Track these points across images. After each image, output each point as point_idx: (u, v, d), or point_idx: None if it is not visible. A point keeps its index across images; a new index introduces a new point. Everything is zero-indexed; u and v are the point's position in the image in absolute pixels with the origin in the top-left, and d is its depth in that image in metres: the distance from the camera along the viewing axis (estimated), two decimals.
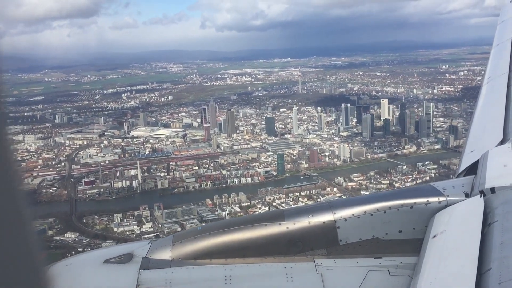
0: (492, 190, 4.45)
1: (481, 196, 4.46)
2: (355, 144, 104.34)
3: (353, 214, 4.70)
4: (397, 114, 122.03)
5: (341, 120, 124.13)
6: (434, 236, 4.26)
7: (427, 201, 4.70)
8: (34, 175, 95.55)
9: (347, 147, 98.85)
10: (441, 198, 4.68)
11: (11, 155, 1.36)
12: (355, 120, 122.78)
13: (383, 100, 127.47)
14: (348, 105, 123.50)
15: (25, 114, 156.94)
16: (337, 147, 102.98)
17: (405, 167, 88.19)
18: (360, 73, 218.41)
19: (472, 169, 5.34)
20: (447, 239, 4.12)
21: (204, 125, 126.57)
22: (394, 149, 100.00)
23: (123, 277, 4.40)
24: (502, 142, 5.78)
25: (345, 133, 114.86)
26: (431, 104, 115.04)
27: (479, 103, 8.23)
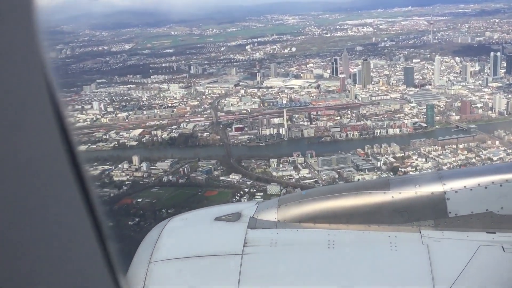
0: None
1: None
2: (509, 96, 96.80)
3: (465, 186, 4.36)
4: None
5: (487, 70, 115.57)
6: None
7: None
8: (186, 120, 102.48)
9: (503, 98, 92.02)
10: None
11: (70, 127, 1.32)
12: (503, 71, 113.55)
13: None
14: (498, 53, 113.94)
15: (163, 65, 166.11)
16: (489, 98, 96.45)
17: None
18: (497, 20, 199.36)
19: None
20: None
21: (339, 75, 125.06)
22: None
23: (232, 234, 4.49)
24: None
25: (494, 84, 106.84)
26: None
27: None
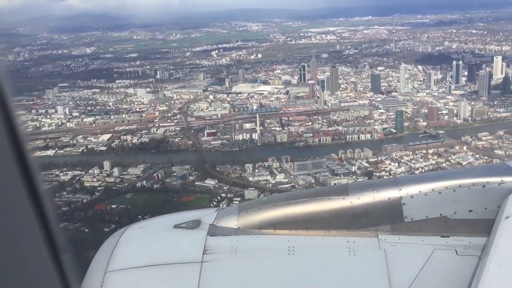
0: None
1: None
2: (472, 103, 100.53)
3: (420, 191, 4.50)
4: (510, 73, 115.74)
5: (449, 78, 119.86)
6: (507, 217, 4.06)
7: (501, 180, 4.41)
8: (156, 125, 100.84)
9: (467, 105, 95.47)
10: None
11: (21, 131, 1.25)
12: (464, 79, 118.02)
13: (496, 58, 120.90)
14: (460, 62, 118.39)
15: (127, 69, 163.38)
16: (453, 105, 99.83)
17: None
18: (454, 31, 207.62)
19: None
20: None
21: (308, 81, 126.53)
22: None
23: (191, 242, 4.48)
24: None
25: (457, 92, 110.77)
26: None
27: None
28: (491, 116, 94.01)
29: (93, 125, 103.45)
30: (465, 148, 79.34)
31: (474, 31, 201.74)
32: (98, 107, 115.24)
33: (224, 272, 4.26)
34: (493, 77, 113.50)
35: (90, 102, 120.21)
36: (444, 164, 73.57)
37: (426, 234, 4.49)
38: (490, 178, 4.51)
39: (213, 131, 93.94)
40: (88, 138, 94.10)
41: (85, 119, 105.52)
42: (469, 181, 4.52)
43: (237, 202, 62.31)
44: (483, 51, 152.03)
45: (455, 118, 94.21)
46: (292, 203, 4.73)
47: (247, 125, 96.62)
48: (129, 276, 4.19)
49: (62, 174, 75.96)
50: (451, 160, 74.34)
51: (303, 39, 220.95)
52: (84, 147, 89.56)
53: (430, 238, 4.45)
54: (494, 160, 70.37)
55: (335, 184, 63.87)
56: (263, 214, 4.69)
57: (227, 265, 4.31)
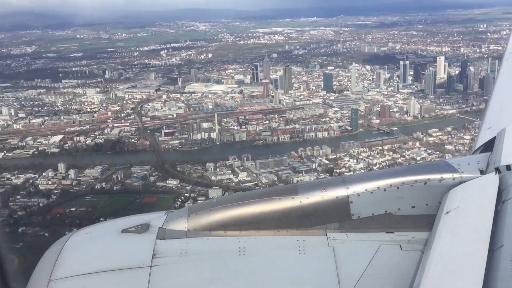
0: (508, 167, 4.38)
1: (496, 173, 4.41)
2: (420, 101, 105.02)
3: (366, 189, 4.68)
4: (452, 73, 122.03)
5: (397, 78, 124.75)
6: (447, 213, 4.23)
7: (441, 177, 4.64)
8: (109, 126, 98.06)
9: (416, 103, 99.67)
10: (456, 175, 4.64)
11: None
12: (410, 78, 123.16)
13: (439, 58, 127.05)
14: (407, 62, 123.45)
15: (73, 69, 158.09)
16: (403, 103, 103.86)
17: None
18: (396, 32, 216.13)
19: (489, 146, 5.26)
20: (460, 215, 4.12)
21: (262, 81, 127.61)
22: (463, 106, 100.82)
23: (140, 246, 4.47)
24: None
25: (405, 90, 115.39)
26: (496, 61, 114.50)
27: (499, 79, 7.98)
28: (438, 113, 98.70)
29: (42, 126, 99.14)
30: (417, 144, 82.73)
31: (414, 33, 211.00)
32: (45, 108, 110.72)
33: (174, 275, 4.20)
34: (437, 76, 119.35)
35: (37, 102, 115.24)
36: (399, 160, 76.34)
37: (372, 231, 4.61)
38: (431, 175, 4.67)
39: (171, 130, 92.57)
40: (38, 140, 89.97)
41: (33, 120, 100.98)
42: (412, 178, 4.67)
43: (203, 201, 62.06)
44: (425, 52, 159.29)
45: (405, 116, 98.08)
46: (242, 204, 4.74)
47: (205, 125, 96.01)
48: (75, 284, 4.05)
49: (14, 177, 72.23)
50: (406, 156, 77.28)
51: (251, 39, 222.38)
52: (34, 149, 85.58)
53: (376, 234, 4.58)
54: (446, 155, 73.89)
55: (297, 181, 64.75)
56: (213, 216, 4.69)
57: (177, 269, 4.25)
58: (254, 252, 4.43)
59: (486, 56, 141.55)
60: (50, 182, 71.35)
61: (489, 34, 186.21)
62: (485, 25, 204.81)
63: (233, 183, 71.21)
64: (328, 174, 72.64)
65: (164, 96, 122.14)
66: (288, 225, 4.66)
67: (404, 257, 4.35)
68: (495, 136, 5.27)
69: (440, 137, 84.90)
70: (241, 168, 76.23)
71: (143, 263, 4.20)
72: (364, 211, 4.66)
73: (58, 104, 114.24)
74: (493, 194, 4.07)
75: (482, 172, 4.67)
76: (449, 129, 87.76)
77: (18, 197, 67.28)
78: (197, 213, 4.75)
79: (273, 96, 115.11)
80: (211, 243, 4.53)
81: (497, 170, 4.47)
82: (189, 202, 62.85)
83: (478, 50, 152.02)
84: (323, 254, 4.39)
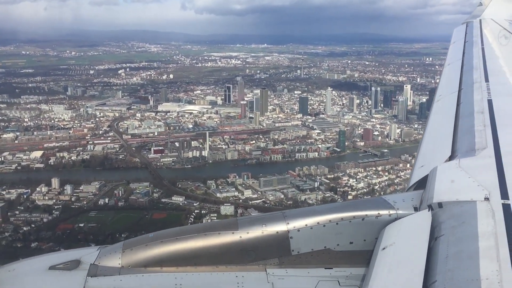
0: (440, 204, 4.45)
1: (429, 210, 4.48)
2: (397, 126, 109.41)
3: (306, 225, 4.69)
4: (416, 101, 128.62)
5: (366, 103, 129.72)
6: (384, 248, 4.28)
7: (378, 213, 4.74)
8: (90, 142, 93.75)
9: (397, 128, 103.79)
10: (391, 211, 4.75)
11: None
12: (381, 104, 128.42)
13: (406, 86, 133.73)
14: (378, 89, 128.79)
15: (29, 85, 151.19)
16: (380, 127, 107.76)
17: None
18: (348, 61, 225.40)
19: (422, 184, 5.38)
20: (396, 251, 4.19)
21: (236, 102, 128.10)
22: None
23: (68, 285, 4.23)
24: (450, 159, 5.81)
25: (378, 115, 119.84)
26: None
27: (430, 119, 8.40)
28: (417, 137, 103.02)
29: (16, 141, 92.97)
30: (408, 166, 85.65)
31: (367, 62, 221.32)
32: (13, 123, 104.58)
33: None
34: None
35: (1, 117, 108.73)
36: (396, 180, 78.63)
37: (311, 267, 4.63)
38: (369, 212, 4.75)
39: (160, 148, 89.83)
40: (17, 155, 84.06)
41: (4, 135, 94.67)
42: (350, 214, 4.73)
43: (214, 218, 60.36)
44: (383, 81, 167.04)
45: (387, 139, 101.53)
46: (180, 239, 4.61)
47: (192, 143, 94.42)
48: None
49: (4, 192, 66.65)
50: (401, 176, 79.69)
51: (209, 62, 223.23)
52: (16, 164, 79.81)
53: (315, 270, 4.61)
54: None
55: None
56: (149, 251, 4.54)
57: None
58: None
59: None
60: (46, 198, 66.60)
61: (437, 66, 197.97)
62: (430, 58, 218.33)
63: (241, 200, 70.04)
64: (332, 193, 73.43)
65: (138, 115, 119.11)
66: (227, 261, 4.58)
67: None
68: (428, 174, 5.33)
69: None
70: (243, 185, 75.19)
71: None
72: (303, 247, 4.65)
73: (26, 120, 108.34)
74: (427, 231, 4.11)
75: (416, 209, 4.75)
76: None
77: (17, 212, 62.17)
78: (132, 249, 4.55)
79: (251, 117, 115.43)
80: (146, 280, 4.33)
81: (430, 207, 4.49)
82: (206, 217, 60.88)
83: (432, 81, 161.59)
84: None
